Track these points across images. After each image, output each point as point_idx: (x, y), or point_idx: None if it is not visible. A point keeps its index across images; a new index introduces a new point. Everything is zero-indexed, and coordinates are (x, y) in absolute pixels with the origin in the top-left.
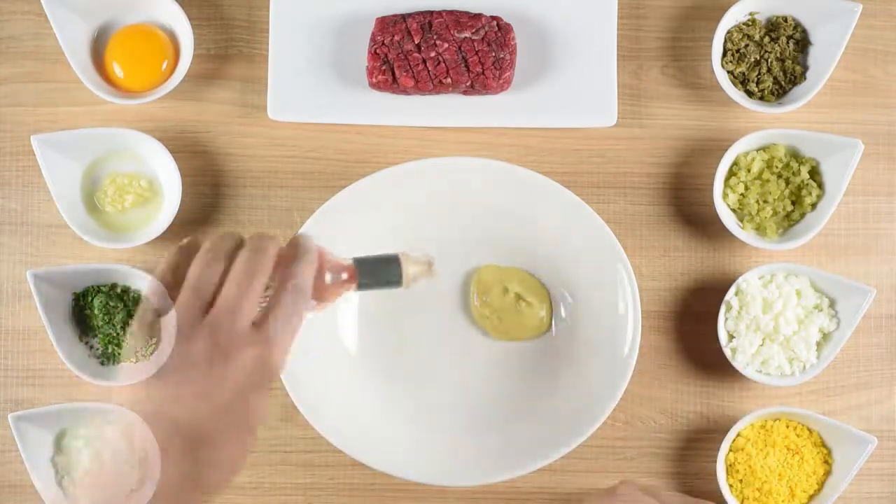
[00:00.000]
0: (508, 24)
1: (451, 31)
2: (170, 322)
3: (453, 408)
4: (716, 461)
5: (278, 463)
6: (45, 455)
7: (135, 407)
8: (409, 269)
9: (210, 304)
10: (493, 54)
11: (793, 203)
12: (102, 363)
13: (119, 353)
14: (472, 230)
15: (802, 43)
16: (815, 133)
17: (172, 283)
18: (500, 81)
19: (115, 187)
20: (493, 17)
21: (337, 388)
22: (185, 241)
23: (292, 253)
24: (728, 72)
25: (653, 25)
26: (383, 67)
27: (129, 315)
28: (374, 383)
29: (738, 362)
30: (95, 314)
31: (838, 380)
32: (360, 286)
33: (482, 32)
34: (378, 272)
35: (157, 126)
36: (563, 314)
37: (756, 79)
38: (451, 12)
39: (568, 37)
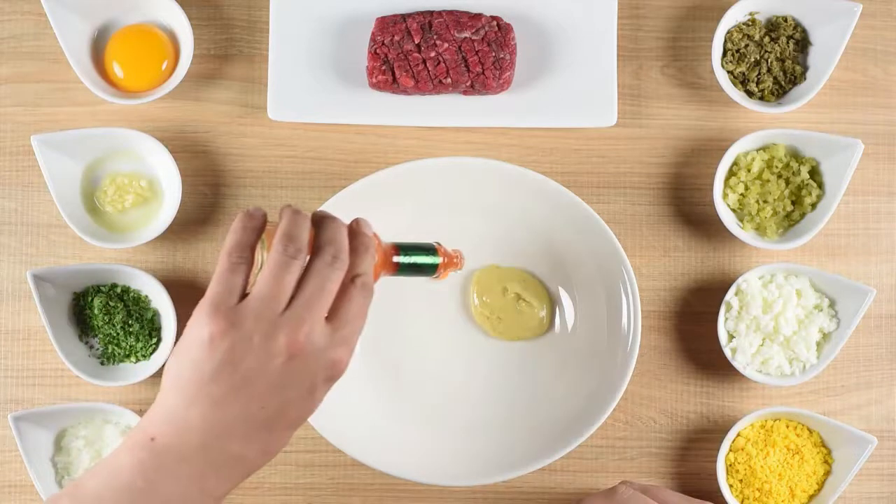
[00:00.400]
0: (508, 24)
1: (451, 31)
2: (248, 315)
3: (453, 408)
4: (716, 461)
5: (278, 463)
6: (45, 455)
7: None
8: (443, 260)
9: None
10: (493, 54)
11: (793, 203)
12: (102, 363)
13: (119, 353)
14: (472, 230)
15: (802, 43)
16: (815, 133)
17: (245, 261)
18: (500, 81)
19: (115, 187)
20: (493, 17)
21: (337, 388)
22: (249, 210)
23: (354, 244)
24: (728, 72)
25: (653, 25)
26: (383, 67)
27: (129, 315)
28: (374, 383)
29: (738, 362)
30: (95, 314)
31: (838, 380)
32: (399, 272)
33: (482, 32)
34: (417, 260)
35: (157, 126)
36: (563, 314)
37: (756, 79)
38: (451, 12)
39: (568, 37)
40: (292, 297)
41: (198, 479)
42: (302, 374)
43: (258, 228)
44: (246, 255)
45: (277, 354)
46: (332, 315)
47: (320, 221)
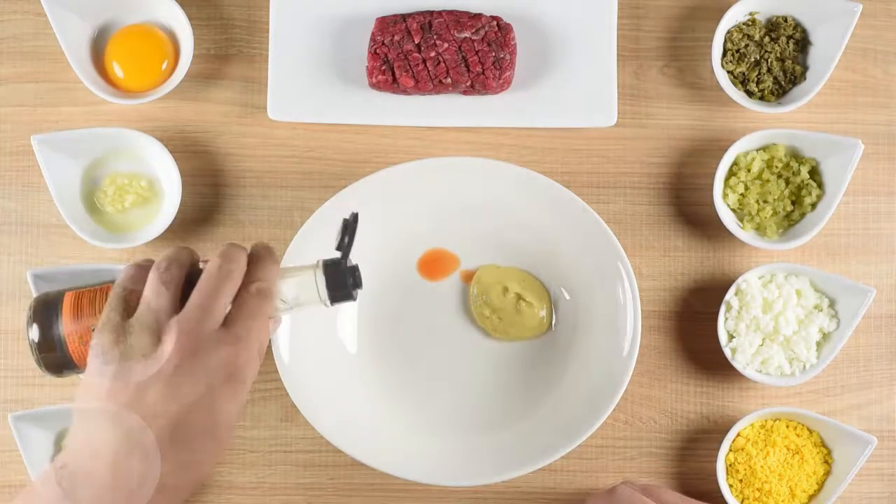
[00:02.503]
0: (508, 24)
1: (451, 31)
2: (141, 322)
3: (453, 408)
4: (716, 461)
5: (278, 463)
6: (45, 455)
7: (98, 405)
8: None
9: (177, 307)
10: (493, 54)
11: (793, 203)
12: None
13: None
14: (472, 230)
15: (802, 43)
16: (815, 133)
17: (126, 291)
18: (500, 81)
19: (115, 187)
20: (493, 17)
21: (337, 388)
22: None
23: (254, 253)
24: (728, 72)
25: (653, 25)
26: (383, 67)
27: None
28: (374, 383)
29: (738, 362)
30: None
31: (838, 380)
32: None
33: (482, 32)
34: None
35: (157, 126)
36: (563, 314)
37: (756, 79)
38: (451, 12)
39: (568, 37)
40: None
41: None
42: (195, 374)
43: (145, 268)
44: (129, 287)
45: (166, 358)
46: (226, 318)
47: (222, 247)
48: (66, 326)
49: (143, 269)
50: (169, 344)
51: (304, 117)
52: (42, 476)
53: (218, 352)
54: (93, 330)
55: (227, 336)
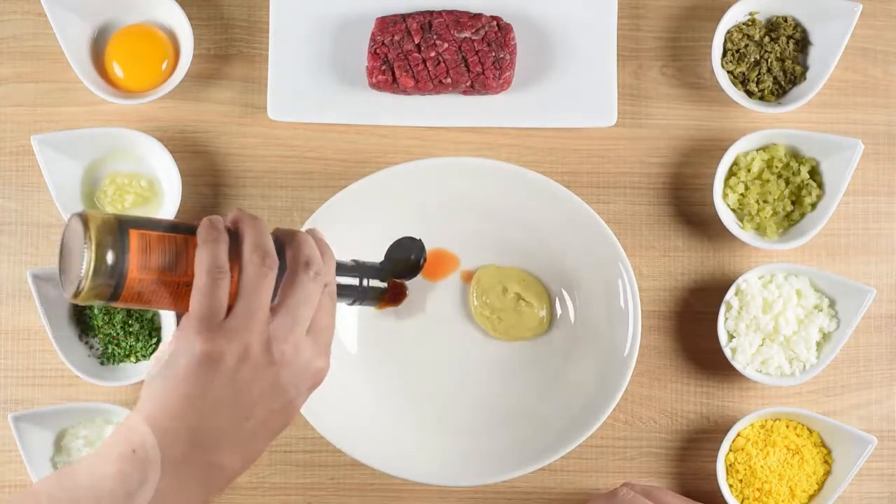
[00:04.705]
0: (508, 24)
1: (451, 31)
2: (235, 327)
3: (453, 408)
4: (716, 461)
5: (278, 463)
6: (45, 455)
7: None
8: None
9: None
10: (493, 54)
11: (793, 203)
12: (102, 363)
13: (119, 353)
14: (472, 230)
15: (802, 43)
16: (815, 133)
17: (225, 275)
18: (500, 81)
19: (115, 187)
20: (493, 17)
21: (337, 388)
22: (212, 221)
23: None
24: (728, 72)
25: (653, 25)
26: (383, 67)
27: (129, 315)
28: (374, 383)
29: (738, 362)
30: (95, 314)
31: (838, 380)
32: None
33: (482, 32)
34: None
35: (157, 126)
36: (562, 314)
37: (756, 79)
38: (451, 12)
39: (568, 37)
40: (273, 308)
41: (179, 490)
42: (289, 383)
43: (227, 239)
44: (225, 269)
45: (271, 365)
46: (310, 325)
47: (293, 235)
48: (134, 272)
49: (222, 243)
50: (276, 353)
51: (304, 117)
52: (109, 456)
53: (313, 363)
54: (156, 283)
55: (316, 345)
